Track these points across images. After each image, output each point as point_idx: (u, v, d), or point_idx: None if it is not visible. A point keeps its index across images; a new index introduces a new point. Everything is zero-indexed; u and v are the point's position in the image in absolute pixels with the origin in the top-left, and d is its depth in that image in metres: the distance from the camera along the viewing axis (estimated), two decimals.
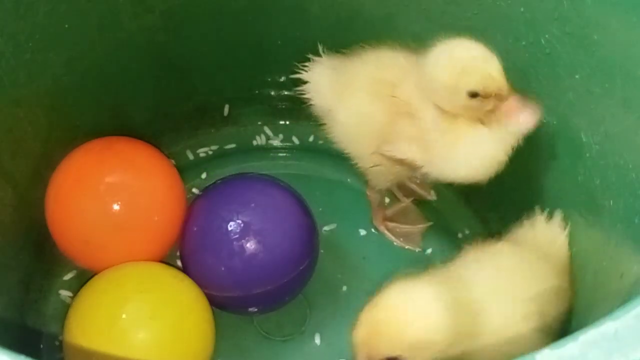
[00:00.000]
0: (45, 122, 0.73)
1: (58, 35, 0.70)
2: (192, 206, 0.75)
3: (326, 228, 0.82)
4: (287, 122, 0.90)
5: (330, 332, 0.76)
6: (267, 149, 0.90)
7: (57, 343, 0.74)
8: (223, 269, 0.71)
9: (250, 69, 0.86)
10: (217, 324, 0.70)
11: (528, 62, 0.68)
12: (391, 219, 0.83)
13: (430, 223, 0.83)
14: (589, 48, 0.62)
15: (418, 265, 0.63)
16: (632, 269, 0.55)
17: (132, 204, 0.70)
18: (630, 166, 0.58)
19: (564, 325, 0.63)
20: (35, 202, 0.72)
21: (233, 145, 0.89)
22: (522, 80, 0.65)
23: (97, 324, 0.65)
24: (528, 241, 0.67)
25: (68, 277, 0.78)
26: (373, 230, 0.83)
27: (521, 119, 0.63)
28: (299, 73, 0.75)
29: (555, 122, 0.68)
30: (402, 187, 0.85)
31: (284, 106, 0.89)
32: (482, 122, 0.64)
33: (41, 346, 0.74)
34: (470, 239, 0.74)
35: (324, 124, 0.75)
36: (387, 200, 0.85)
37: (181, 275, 0.71)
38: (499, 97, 0.63)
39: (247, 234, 0.70)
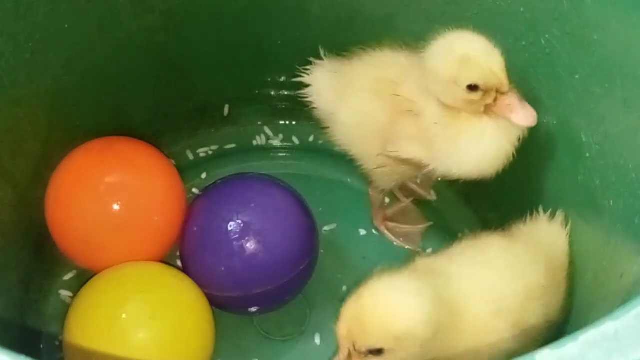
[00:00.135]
0: (45, 122, 0.73)
1: (58, 35, 0.70)
2: (192, 206, 0.75)
3: (326, 228, 0.82)
4: (287, 122, 0.90)
5: (330, 332, 0.75)
6: (267, 149, 0.90)
7: (57, 343, 0.74)
8: (223, 269, 0.71)
9: (250, 69, 0.86)
10: (217, 324, 0.70)
11: (528, 62, 0.68)
12: (391, 219, 0.83)
13: (430, 223, 0.83)
14: (589, 48, 0.62)
15: None
16: (632, 269, 0.55)
17: (132, 204, 0.70)
18: (630, 166, 0.58)
19: (548, 333, 0.63)
20: (35, 202, 0.72)
21: (233, 145, 0.89)
22: (522, 80, 0.65)
23: (97, 324, 0.65)
24: (527, 239, 0.67)
25: (68, 277, 0.78)
26: (373, 230, 0.83)
27: (521, 115, 0.62)
28: (300, 76, 0.76)
29: (555, 122, 0.68)
30: (403, 188, 0.85)
31: (284, 106, 0.89)
32: (487, 114, 0.64)
33: (41, 346, 0.74)
34: None
35: (326, 127, 0.75)
36: (387, 200, 0.85)
37: (181, 275, 0.71)
38: (500, 92, 0.62)
39: (247, 234, 0.70)
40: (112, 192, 0.70)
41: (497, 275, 0.61)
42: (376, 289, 0.55)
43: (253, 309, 0.74)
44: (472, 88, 0.62)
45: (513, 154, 0.64)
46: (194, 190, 0.85)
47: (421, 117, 0.66)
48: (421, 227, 0.83)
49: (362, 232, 0.83)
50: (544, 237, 0.67)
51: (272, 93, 0.89)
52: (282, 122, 0.90)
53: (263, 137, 0.90)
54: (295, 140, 0.90)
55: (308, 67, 0.75)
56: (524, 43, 0.68)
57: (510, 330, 0.60)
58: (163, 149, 0.77)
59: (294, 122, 0.90)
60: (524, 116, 0.62)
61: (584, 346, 0.38)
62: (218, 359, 0.71)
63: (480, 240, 0.65)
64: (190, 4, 0.78)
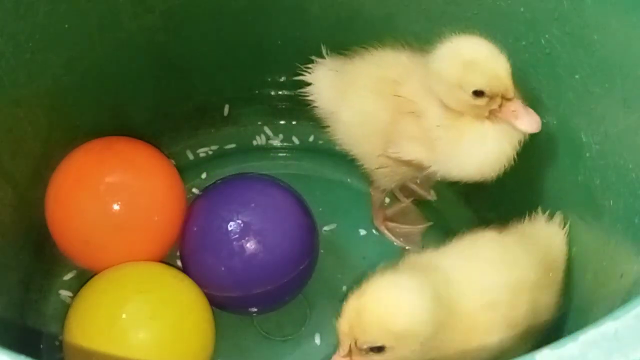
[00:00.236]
0: (45, 122, 0.73)
1: (58, 35, 0.70)
2: (192, 206, 0.75)
3: (326, 228, 0.82)
4: (287, 122, 0.90)
5: (330, 332, 0.75)
6: (267, 149, 0.90)
7: (57, 343, 0.74)
8: (223, 269, 0.71)
9: (250, 69, 0.86)
10: (217, 324, 0.70)
11: (528, 62, 0.68)
12: (391, 219, 0.83)
13: (430, 223, 0.83)
14: (589, 48, 0.62)
15: None
16: (632, 269, 0.55)
17: (132, 204, 0.70)
18: (630, 166, 0.58)
19: (542, 331, 0.63)
20: (35, 202, 0.72)
21: (233, 145, 0.89)
22: (522, 80, 0.65)
23: (97, 324, 0.65)
24: (524, 238, 0.67)
25: (68, 277, 0.78)
26: (373, 230, 0.83)
27: (525, 121, 0.62)
28: (301, 75, 0.76)
29: (555, 122, 0.68)
30: (403, 188, 0.85)
31: (284, 106, 0.89)
32: (489, 119, 0.64)
33: (41, 346, 0.74)
34: None
35: (327, 127, 0.75)
36: (387, 200, 0.85)
37: (181, 275, 0.71)
38: (505, 98, 0.62)
39: (247, 234, 0.70)
40: (112, 192, 0.70)
41: (489, 267, 0.62)
42: (378, 286, 0.55)
43: (253, 309, 0.74)
44: (478, 94, 0.62)
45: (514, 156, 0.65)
46: (194, 190, 0.85)
47: (423, 119, 0.66)
48: (421, 227, 0.83)
49: (362, 232, 0.83)
50: (542, 237, 0.67)
51: (272, 93, 0.89)
52: (282, 122, 0.90)
53: (263, 137, 0.90)
54: (295, 140, 0.90)
55: (309, 66, 0.75)
56: (524, 43, 0.68)
57: (504, 322, 0.60)
58: (163, 149, 0.77)
59: (294, 122, 0.90)
60: (528, 122, 0.62)
61: (584, 346, 0.38)
62: (218, 359, 0.71)
63: (473, 235, 0.66)
64: (190, 4, 0.78)
